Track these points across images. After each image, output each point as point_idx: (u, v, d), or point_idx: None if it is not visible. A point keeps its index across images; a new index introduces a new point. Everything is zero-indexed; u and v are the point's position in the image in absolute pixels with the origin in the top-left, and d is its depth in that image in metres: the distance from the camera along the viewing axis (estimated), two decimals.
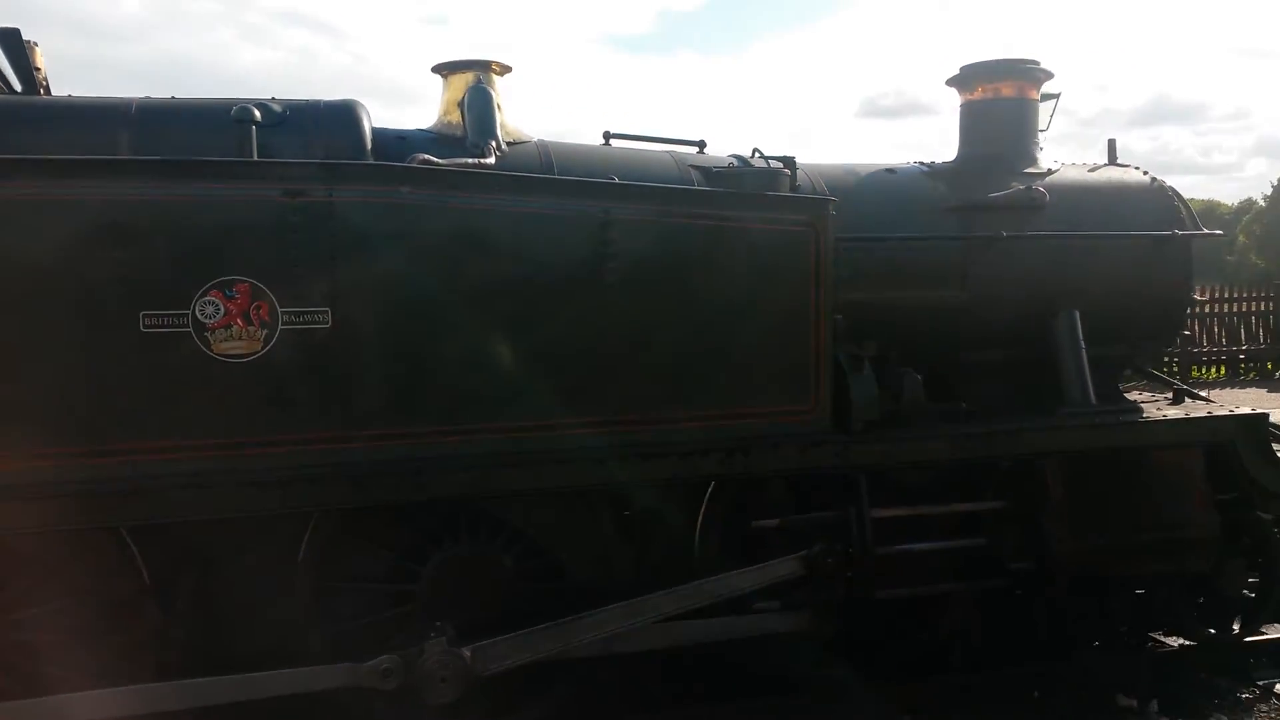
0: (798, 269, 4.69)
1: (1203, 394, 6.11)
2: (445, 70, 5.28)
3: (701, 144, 5.70)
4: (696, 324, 4.56)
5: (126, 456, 3.86)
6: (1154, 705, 5.32)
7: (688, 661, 4.94)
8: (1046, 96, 8.00)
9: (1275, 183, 54.42)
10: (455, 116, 5.16)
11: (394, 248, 4.12)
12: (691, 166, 5.38)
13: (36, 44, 4.86)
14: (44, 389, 3.77)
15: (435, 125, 5.25)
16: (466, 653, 4.30)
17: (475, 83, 5.17)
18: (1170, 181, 6.07)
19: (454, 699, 4.31)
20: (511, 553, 4.59)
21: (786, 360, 4.73)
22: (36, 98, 4.56)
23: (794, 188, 5.21)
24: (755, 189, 4.97)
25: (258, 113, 4.23)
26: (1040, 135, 6.33)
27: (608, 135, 5.54)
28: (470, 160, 4.72)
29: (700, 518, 4.86)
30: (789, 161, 5.39)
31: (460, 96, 5.16)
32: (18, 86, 4.64)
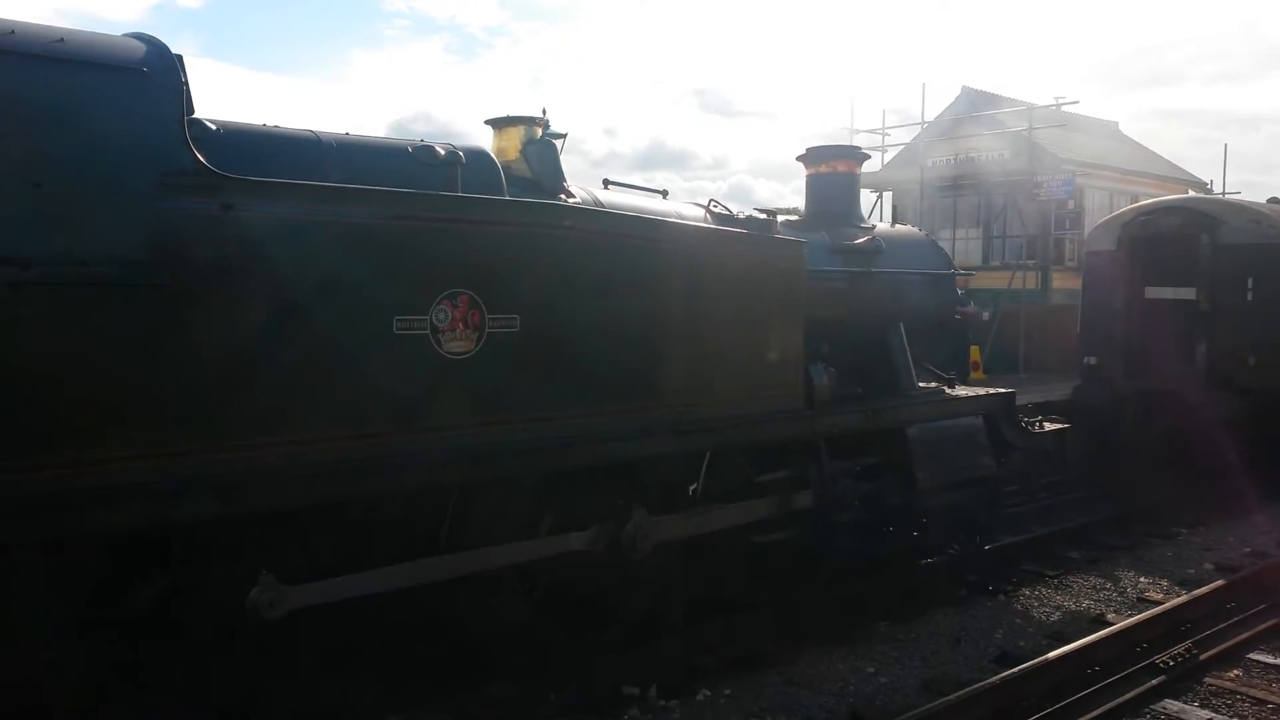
0: (793, 291, 6.55)
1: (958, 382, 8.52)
2: (499, 124, 6.41)
3: (664, 192, 7.05)
4: (735, 332, 6.19)
5: (389, 439, 4.61)
6: (653, 691, 5.86)
7: None
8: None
9: None
10: (509, 159, 6.18)
11: (555, 268, 5.22)
12: (720, 215, 7.03)
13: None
14: (325, 383, 4.40)
15: None
16: (654, 520, 5.92)
17: (539, 136, 6.34)
18: None
19: (646, 555, 5.85)
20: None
21: (785, 358, 6.50)
22: (257, 127, 5.00)
23: (775, 231, 6.90)
24: (767, 233, 6.77)
25: (463, 156, 5.31)
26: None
27: (606, 182, 6.83)
28: (575, 200, 6.16)
29: (701, 481, 6.44)
30: (773, 214, 7.24)
31: (514, 145, 6.30)
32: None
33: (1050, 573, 8.57)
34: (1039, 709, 5.69)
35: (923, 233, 9.09)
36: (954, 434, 7.78)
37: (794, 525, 6.89)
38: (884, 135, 26.91)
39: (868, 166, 26.74)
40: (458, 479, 4.99)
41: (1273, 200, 15.24)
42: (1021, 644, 6.94)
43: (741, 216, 7.03)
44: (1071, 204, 23.08)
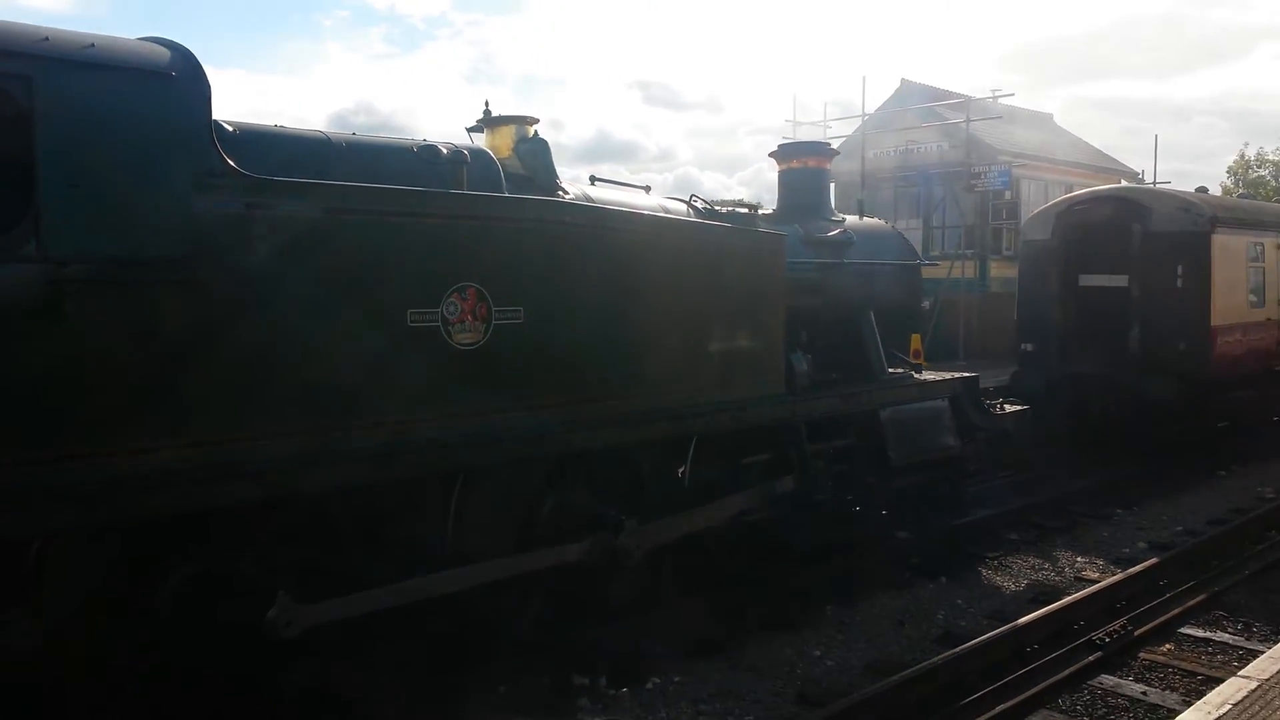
0: (775, 282, 6.85)
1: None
2: (492, 123, 6.66)
3: (647, 188, 7.28)
4: (722, 321, 6.50)
5: (405, 426, 4.83)
6: (602, 680, 5.89)
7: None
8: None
9: None
10: (502, 157, 6.32)
11: (557, 262, 5.48)
12: (701, 210, 7.39)
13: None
14: (345, 375, 4.62)
15: None
16: (643, 529, 6.10)
17: (532, 135, 6.56)
18: None
19: (637, 563, 6.11)
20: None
21: (768, 346, 6.84)
22: (269, 128, 5.21)
23: (755, 226, 7.30)
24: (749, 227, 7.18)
25: (468, 155, 5.61)
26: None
27: (593, 179, 7.09)
28: (570, 196, 6.42)
29: (688, 463, 6.68)
30: (754, 208, 7.73)
31: (507, 144, 6.52)
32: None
33: (990, 554, 8.74)
34: (981, 687, 5.82)
35: (889, 225, 9.44)
36: (923, 416, 8.21)
37: (774, 506, 7.24)
38: (825, 128, 27.19)
39: None
40: (467, 464, 5.25)
41: (1201, 189, 15.68)
42: (963, 624, 7.09)
43: (724, 211, 7.36)
44: (1008, 195, 23.51)
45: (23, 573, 4.01)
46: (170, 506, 4.14)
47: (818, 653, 6.54)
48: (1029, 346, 13.15)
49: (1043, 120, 30.13)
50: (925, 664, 5.96)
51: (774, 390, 6.91)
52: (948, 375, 8.87)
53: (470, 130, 12.67)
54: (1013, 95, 25.00)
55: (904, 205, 24.98)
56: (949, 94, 25.84)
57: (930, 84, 27.26)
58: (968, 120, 23.36)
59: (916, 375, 8.57)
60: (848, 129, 27.36)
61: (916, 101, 25.66)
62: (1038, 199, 23.05)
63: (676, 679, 6.01)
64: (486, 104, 10.36)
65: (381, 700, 5.21)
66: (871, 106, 26.98)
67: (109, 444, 3.94)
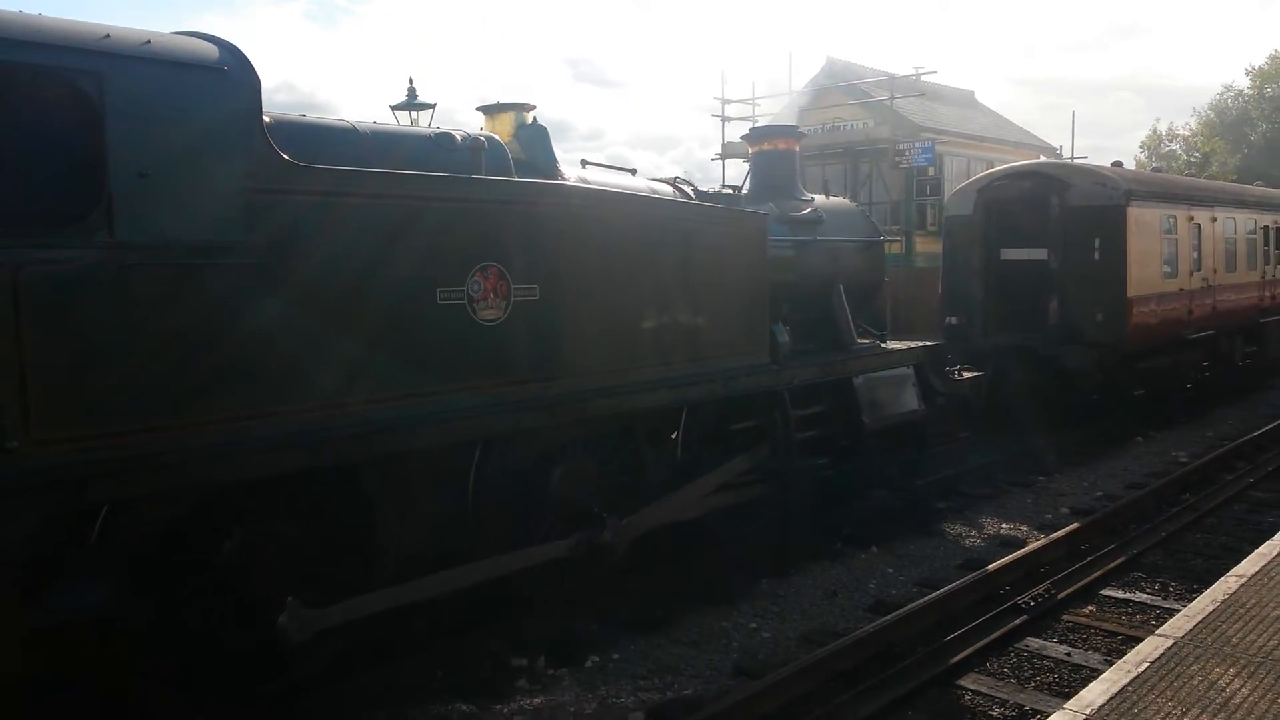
0: (759, 259, 7.31)
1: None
2: (491, 110, 7.00)
3: (634, 170, 7.56)
4: (714, 296, 6.91)
5: (436, 396, 5.16)
6: (541, 661, 5.90)
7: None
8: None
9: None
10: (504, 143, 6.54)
11: (568, 242, 5.83)
12: (692, 191, 7.89)
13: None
14: (380, 350, 4.91)
15: None
16: (624, 522, 6.38)
17: (531, 122, 6.87)
18: None
19: (621, 555, 6.40)
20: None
21: (754, 319, 7.27)
22: (299, 118, 5.48)
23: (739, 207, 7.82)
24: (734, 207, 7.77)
25: (485, 142, 5.95)
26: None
27: (584, 162, 7.38)
28: (563, 179, 6.69)
29: (681, 429, 7.17)
30: (737, 189, 8.34)
31: (506, 130, 6.81)
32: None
33: (919, 523, 8.92)
34: (912, 653, 5.95)
35: (853, 204, 9.93)
36: (891, 382, 8.72)
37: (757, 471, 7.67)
38: (754, 105, 27.25)
39: (735, 137, 27.34)
40: (489, 432, 5.59)
41: (1116, 164, 16.09)
42: (894, 592, 7.24)
43: (710, 192, 7.79)
44: (932, 171, 23.85)
45: (91, 537, 4.21)
46: (230, 476, 4.44)
47: (753, 625, 6.62)
48: (953, 320, 13.41)
49: (965, 97, 30.59)
50: (858, 633, 6.07)
51: (760, 360, 7.31)
52: (913, 344, 9.25)
53: (395, 109, 12.37)
54: (935, 72, 25.18)
55: (831, 182, 25.16)
56: (874, 71, 26.04)
57: (856, 62, 27.47)
58: (891, 97, 23.62)
59: (883, 344, 8.95)
60: (776, 106, 27.46)
61: (842, 79, 25.85)
62: (960, 175, 23.43)
63: (615, 656, 6.05)
64: (411, 81, 10.28)
65: (318, 692, 5.14)
66: (798, 84, 27.12)
67: (175, 418, 4.20)
